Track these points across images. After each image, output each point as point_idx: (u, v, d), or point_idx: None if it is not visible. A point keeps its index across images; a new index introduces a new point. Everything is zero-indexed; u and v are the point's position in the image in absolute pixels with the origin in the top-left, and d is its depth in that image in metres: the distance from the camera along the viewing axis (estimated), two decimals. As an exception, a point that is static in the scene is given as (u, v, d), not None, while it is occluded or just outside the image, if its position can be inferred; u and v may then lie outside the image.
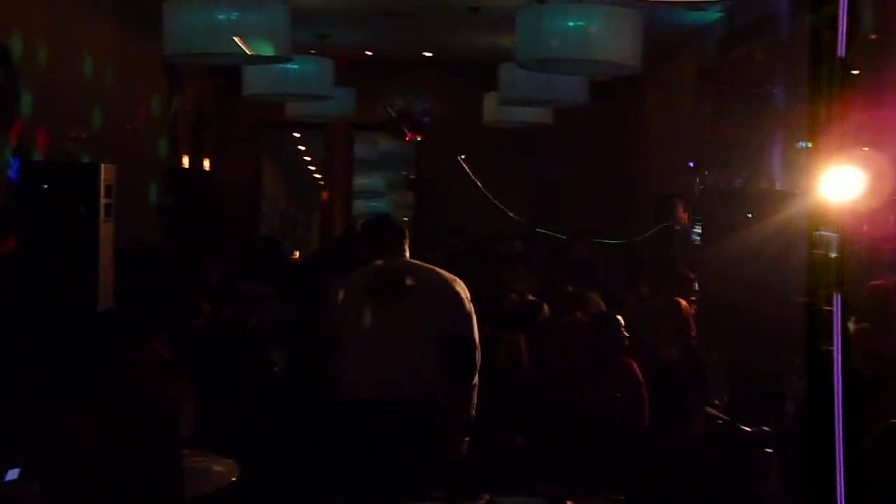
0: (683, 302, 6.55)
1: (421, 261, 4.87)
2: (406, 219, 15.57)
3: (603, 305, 7.22)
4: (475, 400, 4.48)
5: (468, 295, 4.55)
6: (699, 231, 9.28)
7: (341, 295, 4.73)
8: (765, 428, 4.89)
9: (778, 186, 8.16)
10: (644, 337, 6.40)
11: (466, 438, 4.46)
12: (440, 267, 4.77)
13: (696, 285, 7.20)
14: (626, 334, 5.76)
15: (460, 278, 4.71)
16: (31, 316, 5.48)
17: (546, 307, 7.22)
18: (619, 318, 5.87)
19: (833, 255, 2.53)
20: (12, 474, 3.81)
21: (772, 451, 4.65)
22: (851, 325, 6.65)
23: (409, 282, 4.51)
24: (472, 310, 4.55)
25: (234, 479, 3.19)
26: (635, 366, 5.62)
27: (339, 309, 4.71)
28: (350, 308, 4.63)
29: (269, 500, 3.99)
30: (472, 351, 4.50)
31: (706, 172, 10.13)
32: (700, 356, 6.25)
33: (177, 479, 2.89)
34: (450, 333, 4.47)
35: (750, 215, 6.35)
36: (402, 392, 4.36)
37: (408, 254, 4.76)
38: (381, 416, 4.32)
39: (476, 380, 4.49)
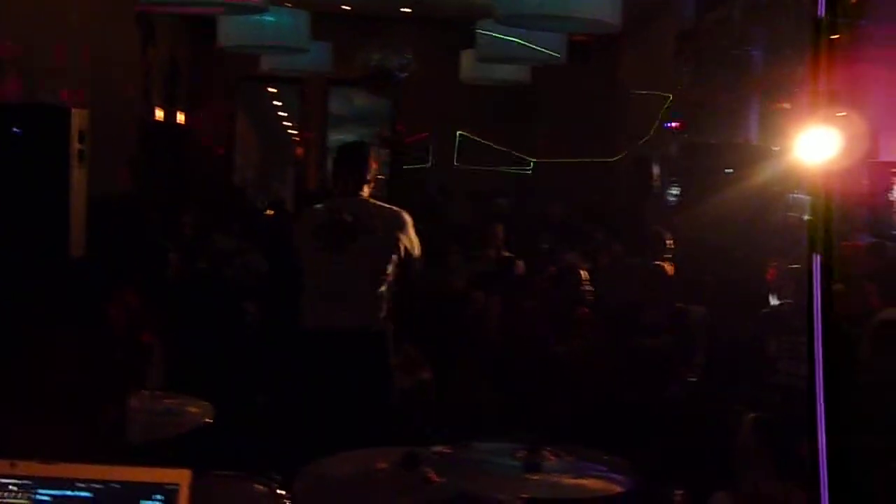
0: (667, 266, 6.52)
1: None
2: (381, 177, 15.51)
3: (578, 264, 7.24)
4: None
5: (411, 222, 4.96)
6: (675, 192, 9.31)
7: (296, 236, 5.13)
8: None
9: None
10: (621, 296, 6.40)
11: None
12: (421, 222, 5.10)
13: (670, 244, 7.21)
14: (590, 288, 5.80)
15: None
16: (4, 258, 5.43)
17: (521, 263, 7.24)
18: (582, 272, 5.91)
19: (806, 217, 2.51)
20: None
21: (746, 411, 4.66)
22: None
23: (351, 223, 4.87)
24: (412, 230, 4.98)
25: (208, 420, 3.17)
26: (597, 316, 5.68)
27: (296, 248, 5.08)
28: (302, 249, 5.00)
29: (243, 443, 3.99)
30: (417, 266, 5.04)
31: (684, 134, 10.14)
32: (686, 320, 6.23)
33: (122, 422, 2.87)
34: (403, 261, 4.92)
35: (730, 171, 6.34)
36: (352, 323, 4.76)
37: (366, 186, 5.00)
38: (332, 345, 4.75)
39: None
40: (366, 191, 5.00)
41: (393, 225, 4.91)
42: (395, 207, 5.00)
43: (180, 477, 1.56)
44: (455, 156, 12.91)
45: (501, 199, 11.55)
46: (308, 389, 4.75)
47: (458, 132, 12.37)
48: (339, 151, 5.35)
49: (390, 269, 4.88)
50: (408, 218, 4.97)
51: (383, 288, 4.86)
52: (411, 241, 4.95)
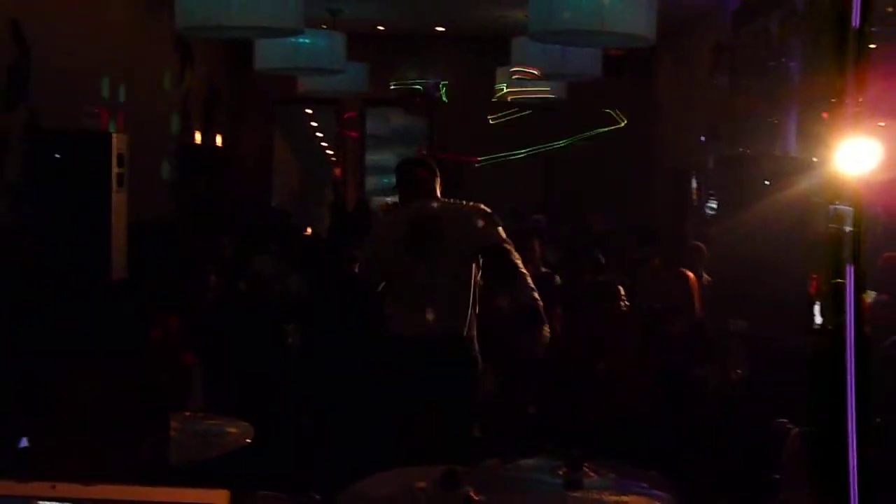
0: (691, 274, 6.47)
1: None
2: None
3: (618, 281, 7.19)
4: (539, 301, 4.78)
5: (492, 214, 4.81)
6: (713, 205, 9.24)
7: (375, 245, 5.06)
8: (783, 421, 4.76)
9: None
10: (653, 308, 6.36)
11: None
12: None
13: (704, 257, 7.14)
14: (626, 303, 5.76)
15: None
16: (48, 283, 5.49)
17: (558, 278, 7.20)
18: (619, 287, 5.87)
19: (848, 229, 2.48)
20: (24, 442, 3.78)
21: (788, 425, 4.59)
22: (869, 299, 6.61)
23: (438, 228, 4.75)
24: (499, 223, 4.82)
25: (248, 440, 3.17)
26: (633, 331, 5.63)
27: (376, 257, 5.00)
28: (386, 259, 4.89)
29: (284, 464, 4.00)
30: (509, 253, 4.76)
31: (721, 146, 10.08)
32: (709, 330, 6.17)
33: (165, 447, 2.88)
34: (482, 248, 4.76)
35: (768, 182, 6.28)
36: (445, 329, 4.66)
37: (438, 192, 4.94)
38: (423, 351, 4.63)
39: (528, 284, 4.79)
40: (438, 194, 4.95)
41: (477, 220, 4.79)
42: (474, 203, 4.91)
43: (218, 498, 1.56)
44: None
45: (538, 215, 11.53)
46: (393, 396, 4.69)
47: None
48: (401, 165, 5.28)
49: (476, 270, 4.78)
50: (490, 211, 4.85)
51: (470, 291, 4.76)
52: (500, 234, 4.78)
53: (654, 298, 6.44)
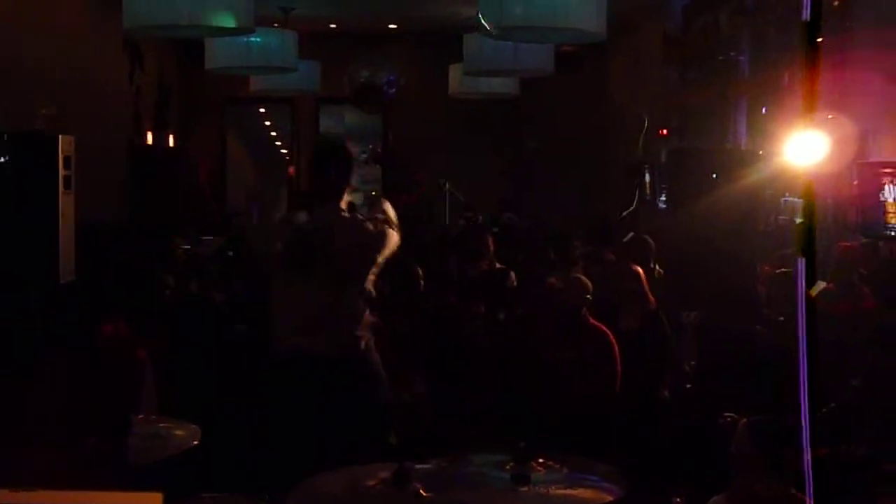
0: (639, 269, 6.49)
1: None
2: (374, 193, 15.51)
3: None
4: None
5: (393, 243, 4.53)
6: (665, 198, 9.30)
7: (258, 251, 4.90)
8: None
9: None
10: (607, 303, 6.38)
11: None
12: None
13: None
14: (588, 297, 5.77)
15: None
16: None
17: (513, 274, 7.22)
18: (588, 283, 5.87)
19: (798, 220, 2.49)
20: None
21: (734, 416, 4.63)
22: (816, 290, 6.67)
23: (319, 242, 4.42)
24: (388, 243, 4.52)
25: (195, 442, 3.16)
26: (604, 329, 5.66)
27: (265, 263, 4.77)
28: (271, 268, 4.63)
29: (232, 465, 3.98)
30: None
31: (673, 139, 10.15)
32: (662, 322, 6.21)
33: (123, 448, 2.85)
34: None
35: (715, 175, 6.33)
36: (325, 347, 4.36)
37: (344, 197, 4.57)
38: (308, 369, 4.36)
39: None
40: (345, 199, 4.57)
41: (369, 245, 4.50)
42: (375, 225, 4.53)
43: (151, 501, 1.54)
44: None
45: (510, 214, 11.56)
46: (284, 416, 4.40)
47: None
48: (316, 151, 4.90)
49: (370, 292, 4.52)
50: (389, 238, 4.53)
51: (362, 314, 4.49)
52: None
53: (606, 294, 6.46)
